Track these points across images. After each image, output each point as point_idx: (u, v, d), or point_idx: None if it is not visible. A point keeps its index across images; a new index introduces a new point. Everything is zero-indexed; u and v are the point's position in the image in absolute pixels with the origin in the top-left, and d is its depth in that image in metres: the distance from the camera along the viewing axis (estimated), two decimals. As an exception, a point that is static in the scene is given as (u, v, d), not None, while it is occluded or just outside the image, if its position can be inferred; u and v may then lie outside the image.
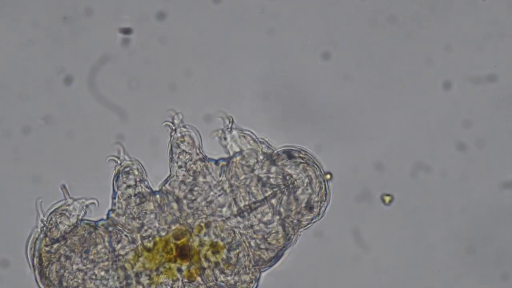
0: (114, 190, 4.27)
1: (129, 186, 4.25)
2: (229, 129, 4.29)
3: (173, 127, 4.28)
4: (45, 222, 4.23)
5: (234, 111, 4.31)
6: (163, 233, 4.22)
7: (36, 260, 4.25)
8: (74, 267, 4.21)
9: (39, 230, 4.25)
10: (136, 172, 4.26)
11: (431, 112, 4.39)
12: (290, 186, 4.21)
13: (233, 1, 4.37)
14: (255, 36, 4.37)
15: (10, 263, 4.37)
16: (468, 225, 4.40)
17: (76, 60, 4.36)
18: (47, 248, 4.22)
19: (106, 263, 4.21)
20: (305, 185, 4.22)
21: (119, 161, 4.28)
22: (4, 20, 4.36)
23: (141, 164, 4.29)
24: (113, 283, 4.21)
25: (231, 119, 4.29)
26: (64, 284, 4.22)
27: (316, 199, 4.24)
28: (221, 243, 4.21)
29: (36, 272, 4.25)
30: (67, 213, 4.24)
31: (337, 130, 4.36)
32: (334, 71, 4.37)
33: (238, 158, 4.26)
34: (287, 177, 4.21)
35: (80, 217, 4.25)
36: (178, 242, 4.20)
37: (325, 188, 4.25)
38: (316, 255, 4.40)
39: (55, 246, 4.22)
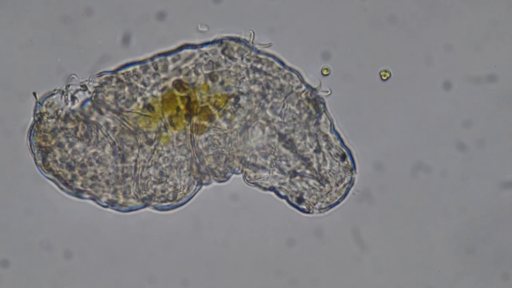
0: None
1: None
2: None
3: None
4: (41, 105, 4.25)
5: (234, 111, 4.31)
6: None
7: (36, 149, 4.26)
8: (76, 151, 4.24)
9: (36, 115, 4.26)
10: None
11: (431, 112, 4.39)
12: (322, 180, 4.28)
13: (233, 1, 4.38)
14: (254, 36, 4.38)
15: (10, 263, 4.37)
16: (468, 225, 4.40)
17: (76, 60, 4.37)
18: (46, 132, 4.25)
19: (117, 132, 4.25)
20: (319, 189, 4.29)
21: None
22: (4, 20, 4.36)
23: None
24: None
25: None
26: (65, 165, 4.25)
27: (313, 201, 4.28)
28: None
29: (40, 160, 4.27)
30: (67, 95, 4.26)
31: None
32: (334, 71, 4.37)
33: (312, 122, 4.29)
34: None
35: (79, 101, 4.27)
36: (183, 93, 4.21)
37: (323, 207, 4.31)
38: (316, 255, 4.40)
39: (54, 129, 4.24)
